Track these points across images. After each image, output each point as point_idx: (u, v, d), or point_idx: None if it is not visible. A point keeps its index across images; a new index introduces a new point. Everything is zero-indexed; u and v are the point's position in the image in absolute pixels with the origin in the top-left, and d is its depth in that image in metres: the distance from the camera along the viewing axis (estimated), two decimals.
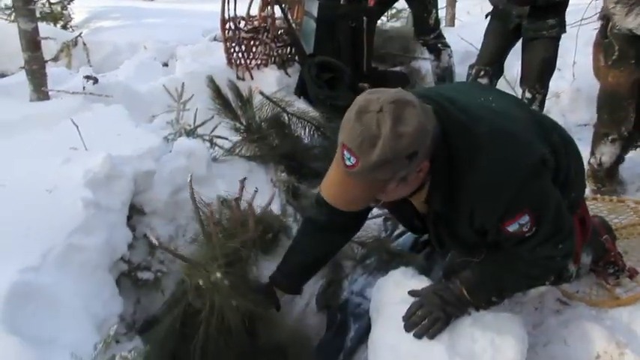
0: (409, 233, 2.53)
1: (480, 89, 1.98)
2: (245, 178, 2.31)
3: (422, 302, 1.86)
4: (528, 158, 1.62)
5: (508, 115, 1.74)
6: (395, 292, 1.97)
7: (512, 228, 1.65)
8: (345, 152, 1.49)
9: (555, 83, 4.00)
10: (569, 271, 2.09)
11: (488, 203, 1.64)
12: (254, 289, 2.06)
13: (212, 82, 2.89)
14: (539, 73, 3.65)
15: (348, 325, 2.33)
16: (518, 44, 3.76)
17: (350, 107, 1.53)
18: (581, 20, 4.60)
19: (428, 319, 1.81)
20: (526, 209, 1.62)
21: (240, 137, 2.92)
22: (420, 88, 1.93)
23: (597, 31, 3.08)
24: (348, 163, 1.48)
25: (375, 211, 2.43)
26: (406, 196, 1.74)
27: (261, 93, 2.96)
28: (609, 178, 3.21)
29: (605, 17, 2.93)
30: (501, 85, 4.20)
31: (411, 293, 1.92)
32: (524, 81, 3.75)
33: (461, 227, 1.76)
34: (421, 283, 1.96)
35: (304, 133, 3.05)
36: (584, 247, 2.14)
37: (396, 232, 2.68)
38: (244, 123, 2.91)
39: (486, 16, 3.82)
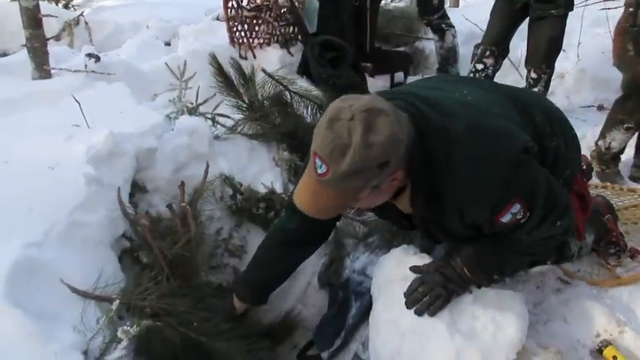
0: None
1: (453, 82, 1.93)
2: (183, 183, 2.34)
3: (423, 279, 1.87)
4: (508, 150, 1.60)
5: (485, 107, 1.72)
6: (396, 269, 1.98)
7: (505, 219, 1.64)
8: (317, 160, 1.46)
9: (560, 64, 3.97)
10: (570, 250, 2.09)
11: (475, 201, 1.63)
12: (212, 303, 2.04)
13: (214, 60, 2.88)
14: (545, 53, 3.62)
15: (349, 302, 2.35)
16: (523, 25, 3.73)
17: (323, 114, 1.51)
18: (586, 0, 4.55)
19: (429, 295, 1.82)
20: (515, 198, 1.61)
21: (243, 115, 2.91)
22: (396, 89, 1.89)
23: (622, 17, 3.04)
24: (319, 171, 1.46)
25: None
26: (388, 201, 1.72)
27: (264, 71, 2.94)
28: (614, 161, 3.25)
29: (636, 3, 2.89)
30: (506, 65, 4.18)
31: (413, 269, 1.93)
32: (529, 61, 3.72)
33: (451, 225, 1.74)
34: (423, 260, 1.96)
35: (306, 112, 3.03)
36: (587, 225, 2.13)
37: None
38: (246, 101, 2.89)
39: None
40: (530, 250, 1.82)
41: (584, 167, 2.41)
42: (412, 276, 1.91)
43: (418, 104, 1.62)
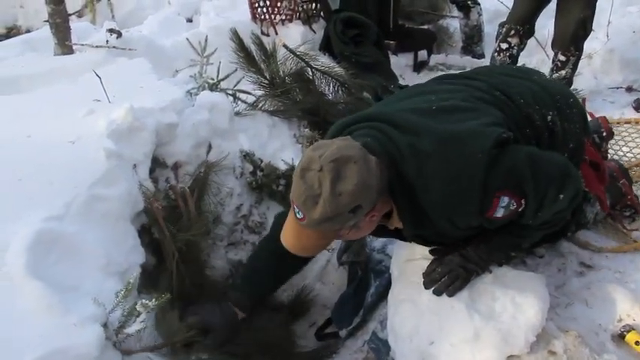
0: None
1: (421, 90, 1.96)
2: (177, 164, 2.34)
3: (442, 260, 1.86)
4: (477, 151, 1.59)
5: (453, 111, 1.73)
6: (417, 249, 1.97)
7: (498, 213, 1.63)
8: (295, 207, 1.57)
9: (588, 44, 3.84)
10: (586, 217, 2.11)
11: (460, 209, 1.64)
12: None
13: (236, 35, 2.85)
14: (574, 35, 3.49)
15: (369, 281, 2.34)
16: (551, 4, 3.63)
17: (299, 162, 1.61)
18: None
19: (448, 276, 1.81)
20: (498, 193, 1.60)
21: (264, 92, 2.89)
22: (364, 112, 1.90)
23: None
24: (298, 216, 1.57)
25: None
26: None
27: (285, 46, 2.91)
28: None
29: None
30: (531, 45, 4.09)
31: (432, 252, 1.91)
32: (557, 43, 3.61)
33: (447, 232, 1.75)
34: None
35: (328, 89, 3.00)
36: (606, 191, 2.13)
37: None
38: (268, 77, 2.87)
39: None
40: (545, 225, 1.79)
41: (604, 132, 2.37)
42: (432, 256, 1.90)
43: (384, 128, 1.69)
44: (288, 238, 1.66)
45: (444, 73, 3.90)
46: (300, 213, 1.55)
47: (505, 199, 1.61)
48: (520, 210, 1.65)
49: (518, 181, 1.61)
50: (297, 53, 2.91)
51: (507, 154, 1.62)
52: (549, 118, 1.84)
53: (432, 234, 1.78)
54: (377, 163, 1.57)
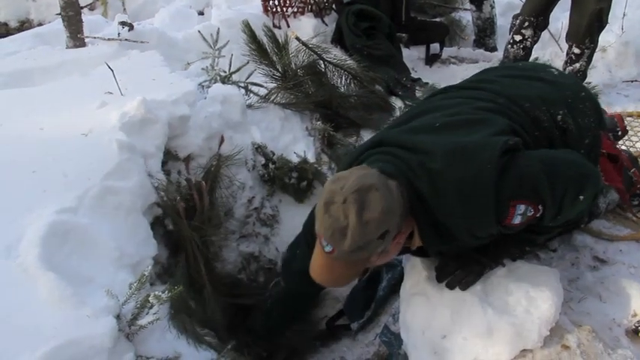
0: None
1: (425, 108, 1.93)
2: (189, 157, 2.36)
3: (456, 253, 1.84)
4: (486, 161, 1.57)
5: (459, 125, 1.72)
6: None
7: (516, 220, 1.61)
8: (323, 241, 1.57)
9: (602, 37, 3.76)
10: (599, 208, 2.10)
11: (477, 220, 1.62)
12: None
13: (247, 27, 2.85)
14: (589, 28, 3.42)
15: (380, 275, 2.33)
16: None
17: (320, 196, 1.60)
18: None
19: (461, 269, 1.80)
20: (514, 202, 1.58)
21: (276, 84, 2.88)
22: (371, 139, 1.90)
23: None
24: (326, 249, 1.56)
25: None
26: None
27: (298, 38, 2.90)
28: None
29: None
30: (545, 38, 4.05)
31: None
32: (571, 36, 3.54)
33: (467, 243, 1.73)
34: None
35: (340, 82, 3.00)
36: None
37: None
38: (280, 70, 2.87)
39: None
40: (562, 226, 1.78)
41: (619, 131, 2.35)
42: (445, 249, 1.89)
43: (395, 152, 1.69)
44: (319, 273, 1.65)
45: (450, 74, 3.86)
46: (329, 246, 1.54)
47: (522, 207, 1.59)
48: (538, 215, 1.63)
49: (533, 187, 1.59)
50: (310, 45, 2.90)
51: (517, 160, 1.61)
52: (559, 117, 1.81)
53: (453, 247, 1.77)
54: (397, 186, 1.58)
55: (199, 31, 3.32)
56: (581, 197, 1.63)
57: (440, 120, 1.76)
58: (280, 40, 2.87)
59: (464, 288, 1.77)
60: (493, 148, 1.59)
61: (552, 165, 1.62)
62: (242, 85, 2.80)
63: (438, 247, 1.75)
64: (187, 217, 2.11)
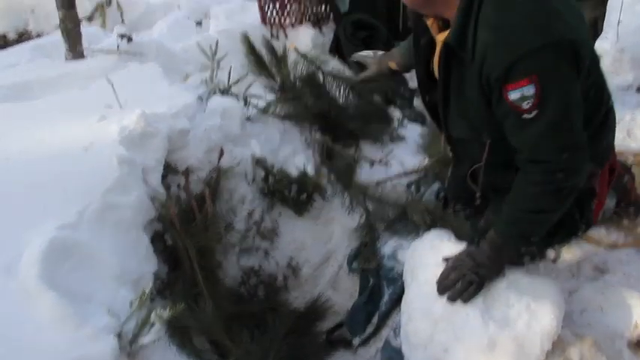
0: (430, 189, 2.54)
1: None
2: (187, 169, 2.36)
3: (455, 265, 1.82)
4: (557, 31, 1.53)
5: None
6: (429, 254, 1.94)
7: (514, 95, 1.57)
8: None
9: (598, 44, 3.78)
10: (591, 211, 2.03)
11: (500, 49, 1.57)
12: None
13: (246, 39, 2.84)
14: None
15: (382, 289, 2.32)
16: None
17: None
18: None
19: (461, 282, 1.78)
20: (534, 76, 1.54)
21: (275, 96, 2.88)
22: None
23: None
24: None
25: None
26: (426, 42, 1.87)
27: (297, 50, 2.90)
28: None
29: None
30: None
31: (445, 259, 1.89)
32: None
33: (469, 88, 1.70)
34: (456, 245, 1.92)
35: (339, 93, 2.99)
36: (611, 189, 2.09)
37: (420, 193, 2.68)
38: (279, 81, 2.87)
39: None
40: (541, 204, 1.73)
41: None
42: (444, 262, 1.88)
43: None
44: None
45: None
46: None
47: (530, 89, 1.55)
48: (523, 117, 1.60)
49: (551, 87, 1.56)
50: (308, 57, 2.90)
51: (568, 68, 1.58)
52: (604, 105, 1.82)
53: (455, 86, 1.75)
54: None
55: (198, 43, 3.32)
56: (565, 155, 1.63)
57: None
58: (279, 52, 2.87)
59: (465, 300, 1.76)
60: (574, 33, 1.56)
61: (573, 108, 1.62)
62: (241, 97, 2.80)
63: (453, 41, 1.68)
64: (187, 231, 2.10)
